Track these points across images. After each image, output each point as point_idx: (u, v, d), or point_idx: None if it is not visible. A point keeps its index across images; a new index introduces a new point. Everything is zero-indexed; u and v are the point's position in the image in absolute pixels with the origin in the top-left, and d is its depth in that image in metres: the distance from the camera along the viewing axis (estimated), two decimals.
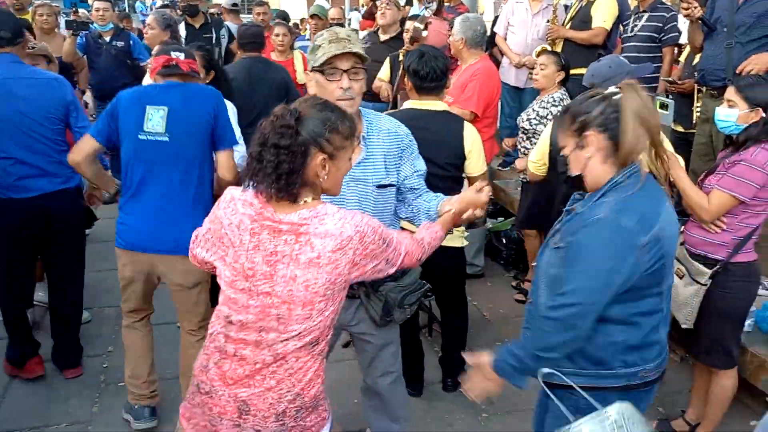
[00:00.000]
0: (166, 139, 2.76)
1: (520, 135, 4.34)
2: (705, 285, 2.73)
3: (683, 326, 2.85)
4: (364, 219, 1.72)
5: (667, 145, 2.82)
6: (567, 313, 1.75)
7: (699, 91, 4.26)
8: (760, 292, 3.49)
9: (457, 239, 3.20)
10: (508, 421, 3.29)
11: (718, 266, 2.71)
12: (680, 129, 4.65)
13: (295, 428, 1.76)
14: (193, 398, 1.80)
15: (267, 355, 1.70)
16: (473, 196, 2.19)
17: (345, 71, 2.15)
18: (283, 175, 1.63)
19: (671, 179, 2.68)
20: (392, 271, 1.87)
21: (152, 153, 2.76)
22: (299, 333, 1.69)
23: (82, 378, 3.57)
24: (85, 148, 2.86)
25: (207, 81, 3.47)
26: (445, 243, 3.10)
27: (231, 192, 1.80)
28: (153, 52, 3.00)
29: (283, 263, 1.66)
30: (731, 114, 2.66)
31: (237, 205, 1.73)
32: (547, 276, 1.89)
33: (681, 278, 2.84)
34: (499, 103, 5.24)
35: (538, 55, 4.34)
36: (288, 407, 1.73)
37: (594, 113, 1.81)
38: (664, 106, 2.78)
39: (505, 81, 5.57)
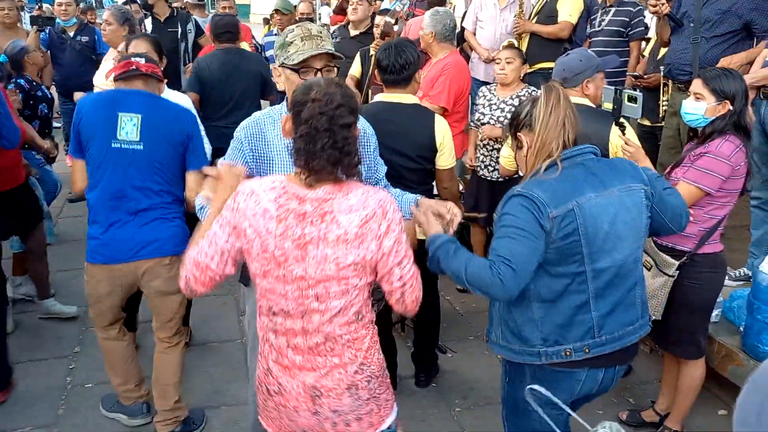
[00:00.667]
0: (141, 147, 2.70)
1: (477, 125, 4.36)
2: (672, 276, 2.76)
3: (652, 317, 2.88)
4: (387, 196, 1.74)
5: (632, 136, 2.85)
6: (503, 271, 1.80)
7: (665, 84, 4.31)
8: (727, 282, 3.56)
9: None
10: (481, 413, 3.30)
11: (685, 257, 2.74)
12: (647, 123, 4.70)
13: (369, 401, 1.80)
14: (267, 404, 1.84)
15: (318, 338, 1.73)
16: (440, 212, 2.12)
17: (318, 70, 2.14)
18: (352, 153, 1.68)
19: None
20: (396, 285, 1.75)
21: (126, 161, 2.69)
22: (340, 309, 1.72)
23: (47, 380, 3.49)
24: (76, 172, 2.80)
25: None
26: (419, 236, 3.12)
27: (249, 185, 1.76)
28: (114, 58, 2.92)
29: (312, 244, 1.67)
30: (699, 107, 2.69)
31: (259, 195, 1.71)
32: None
33: (649, 270, 2.87)
34: (470, 98, 5.24)
35: (503, 50, 4.35)
36: (357, 379, 1.77)
37: (522, 114, 2.00)
38: (632, 99, 2.80)
39: (474, 76, 5.57)
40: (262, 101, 4.80)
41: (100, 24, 5.68)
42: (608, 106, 2.90)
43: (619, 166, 2.02)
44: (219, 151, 2.78)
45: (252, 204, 1.70)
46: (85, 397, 3.38)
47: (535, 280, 1.90)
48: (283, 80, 2.21)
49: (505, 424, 2.21)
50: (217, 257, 1.75)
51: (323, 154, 1.65)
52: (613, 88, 2.91)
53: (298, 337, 1.75)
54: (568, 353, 1.94)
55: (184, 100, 3.56)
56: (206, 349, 3.85)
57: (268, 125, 2.27)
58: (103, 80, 3.62)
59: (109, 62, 3.86)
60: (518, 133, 2.01)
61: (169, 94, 3.53)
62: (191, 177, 2.80)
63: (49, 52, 5.94)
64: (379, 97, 3.15)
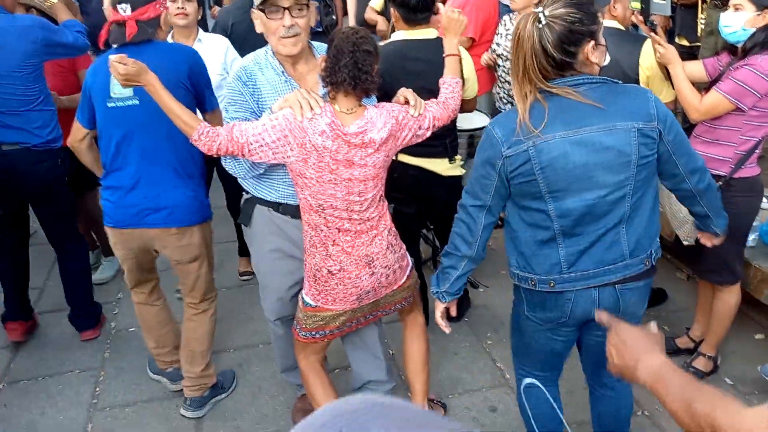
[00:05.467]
0: (136, 101, 2.48)
1: (493, 56, 4.17)
2: None
3: (684, 243, 2.81)
4: (394, 107, 2.22)
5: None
6: (461, 211, 2.01)
7: (704, 1, 4.10)
8: (765, 205, 3.45)
9: (456, 168, 3.15)
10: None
11: (720, 182, 2.65)
12: (685, 42, 4.52)
13: (398, 252, 2.37)
14: (329, 284, 2.26)
15: (361, 221, 2.22)
16: (450, 19, 2.56)
17: (286, 8, 2.13)
18: (369, 72, 2.07)
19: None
20: (428, 134, 2.33)
21: (125, 120, 2.51)
22: (373, 196, 2.21)
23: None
24: (75, 134, 2.66)
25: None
26: (443, 172, 3.10)
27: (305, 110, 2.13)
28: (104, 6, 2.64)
29: (357, 156, 2.13)
30: (738, 18, 2.54)
31: (317, 120, 2.07)
32: None
33: None
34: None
35: None
36: (390, 240, 2.32)
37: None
38: None
39: (503, 1, 5.37)
40: None
41: None
42: (636, 5, 2.78)
43: (620, 100, 1.80)
44: None
45: (313, 125, 2.07)
46: (129, 340, 3.50)
47: (508, 208, 1.99)
48: (259, 23, 2.21)
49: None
50: (256, 144, 2.09)
51: (345, 69, 2.03)
52: None
53: (345, 223, 2.19)
54: (533, 283, 1.96)
55: (221, 42, 3.50)
56: (242, 291, 3.93)
57: (256, 71, 2.28)
58: None
59: None
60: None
61: (205, 37, 3.49)
62: (211, 118, 2.64)
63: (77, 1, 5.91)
64: (402, 35, 3.03)
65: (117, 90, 2.47)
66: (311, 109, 2.08)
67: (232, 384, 3.13)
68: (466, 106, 3.09)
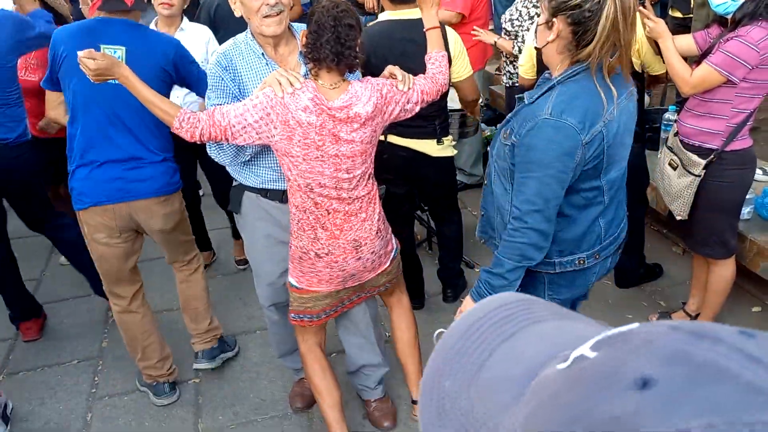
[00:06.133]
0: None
1: (503, 36, 4.15)
2: (699, 176, 2.67)
3: (677, 218, 2.82)
4: (379, 81, 2.18)
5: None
6: (535, 218, 1.78)
7: None
8: (760, 177, 3.44)
9: (447, 149, 3.13)
10: None
11: (712, 155, 2.63)
12: (678, 14, 4.48)
13: (385, 238, 2.35)
14: (316, 266, 2.24)
15: (350, 201, 2.18)
16: None
17: None
18: (352, 48, 2.02)
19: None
20: (417, 108, 2.28)
21: (113, 98, 2.47)
22: (361, 174, 2.18)
23: (90, 315, 3.64)
24: (49, 102, 2.69)
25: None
26: (436, 153, 3.08)
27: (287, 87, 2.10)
28: None
29: (343, 131, 2.09)
30: None
31: (298, 95, 2.03)
32: (497, 166, 1.93)
33: (674, 169, 2.78)
34: (492, 2, 5.02)
35: None
36: (379, 225, 2.29)
37: (573, 2, 1.68)
38: None
39: None
40: None
41: None
42: None
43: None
44: None
45: (294, 100, 2.03)
46: None
47: None
48: (238, 6, 2.17)
49: None
50: (238, 127, 2.05)
51: (327, 45, 1.99)
52: None
53: (334, 203, 2.16)
54: (581, 262, 1.94)
55: (203, 32, 3.45)
56: (238, 277, 3.94)
57: (236, 56, 2.25)
58: None
59: None
60: (556, 17, 1.71)
61: (188, 26, 3.42)
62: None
63: None
64: (387, 15, 3.00)
65: None
66: (291, 84, 2.04)
67: (236, 346, 3.25)
68: (464, 88, 3.05)
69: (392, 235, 2.46)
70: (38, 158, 3.26)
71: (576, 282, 2.01)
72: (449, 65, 2.94)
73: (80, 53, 2.13)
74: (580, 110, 1.70)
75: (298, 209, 2.20)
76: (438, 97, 2.37)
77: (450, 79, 3.00)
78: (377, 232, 2.28)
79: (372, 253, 2.29)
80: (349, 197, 2.18)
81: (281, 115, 2.04)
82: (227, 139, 2.10)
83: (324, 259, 2.23)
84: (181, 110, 2.12)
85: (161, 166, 2.67)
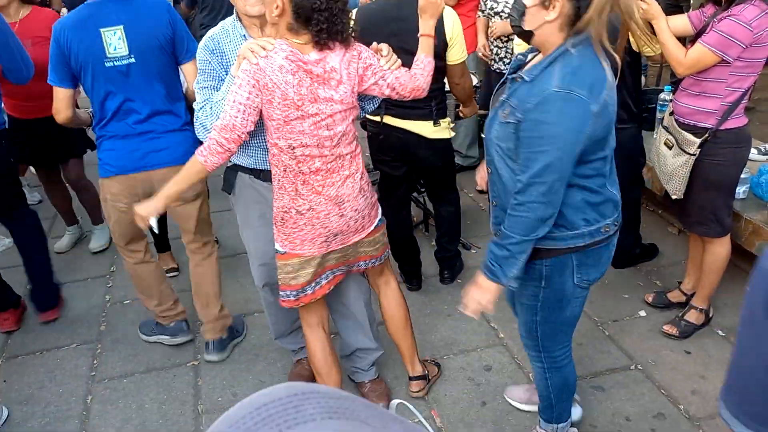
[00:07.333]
0: (133, 59, 2.60)
1: (490, 15, 4.14)
2: (693, 155, 2.68)
3: (673, 197, 2.83)
4: (357, 44, 2.19)
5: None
6: (541, 191, 1.77)
7: None
8: (755, 157, 3.45)
9: (444, 131, 3.13)
10: (505, 305, 3.34)
11: (707, 134, 2.64)
12: None
13: (369, 199, 2.34)
14: (298, 224, 2.23)
15: (332, 158, 2.18)
16: (428, 1, 2.35)
17: None
18: (342, 22, 2.06)
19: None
20: (386, 92, 2.26)
21: (124, 78, 2.61)
22: (343, 131, 2.17)
23: (88, 299, 3.65)
24: (62, 101, 2.67)
25: None
26: (432, 135, 3.08)
27: (260, 50, 2.10)
28: None
29: (321, 88, 2.09)
30: None
31: (272, 56, 2.04)
32: (500, 149, 1.88)
33: (670, 149, 2.79)
34: None
35: None
36: (362, 184, 2.29)
37: None
38: None
39: None
40: None
41: None
42: None
43: None
44: None
45: (269, 62, 2.03)
46: (125, 313, 3.52)
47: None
48: None
49: (537, 329, 2.17)
50: (240, 114, 2.06)
51: (321, 16, 1.99)
52: None
53: (317, 161, 2.16)
54: (606, 229, 1.95)
55: None
56: (236, 260, 3.94)
57: (224, 39, 2.28)
58: None
59: None
60: None
61: None
62: (189, 68, 2.74)
63: None
64: None
65: (113, 50, 2.57)
66: (264, 49, 2.04)
67: (244, 328, 3.30)
68: (454, 69, 3.04)
69: (377, 201, 2.44)
70: (13, 147, 3.22)
71: (602, 258, 2.01)
72: (445, 49, 2.94)
73: None
74: (587, 80, 1.71)
75: (278, 168, 2.20)
76: (410, 97, 2.33)
77: (447, 61, 3.02)
78: (360, 190, 2.27)
79: (355, 211, 2.27)
80: (331, 154, 2.17)
81: (261, 80, 2.05)
82: (244, 134, 2.10)
83: (305, 215, 2.21)
84: (194, 155, 2.15)
85: (179, 134, 2.79)
